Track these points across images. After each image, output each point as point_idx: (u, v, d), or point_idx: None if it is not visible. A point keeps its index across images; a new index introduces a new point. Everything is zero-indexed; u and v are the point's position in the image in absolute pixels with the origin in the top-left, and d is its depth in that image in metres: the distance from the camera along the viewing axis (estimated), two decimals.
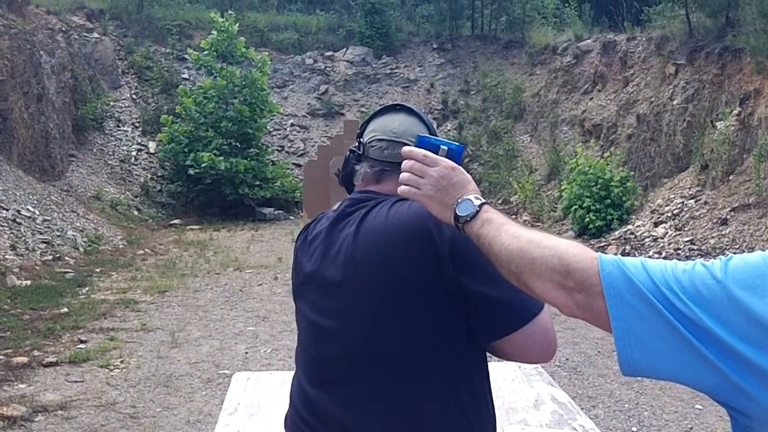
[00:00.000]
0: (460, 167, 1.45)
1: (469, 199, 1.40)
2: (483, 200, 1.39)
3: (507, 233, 1.30)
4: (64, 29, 15.65)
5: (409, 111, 1.75)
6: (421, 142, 1.50)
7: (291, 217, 15.52)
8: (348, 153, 1.74)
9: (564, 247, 1.20)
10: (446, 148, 1.49)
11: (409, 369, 1.56)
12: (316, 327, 1.70)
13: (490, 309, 1.49)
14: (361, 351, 1.59)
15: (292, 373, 1.78)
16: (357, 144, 1.74)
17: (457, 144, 1.51)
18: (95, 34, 17.17)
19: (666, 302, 1.05)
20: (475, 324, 1.54)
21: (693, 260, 1.10)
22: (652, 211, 11.71)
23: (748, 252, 1.10)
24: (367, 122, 1.77)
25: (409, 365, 1.56)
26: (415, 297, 1.53)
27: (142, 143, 16.48)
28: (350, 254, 1.62)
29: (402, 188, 1.46)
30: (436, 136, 1.74)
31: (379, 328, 1.57)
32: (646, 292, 1.06)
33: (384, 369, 1.57)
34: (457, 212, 1.40)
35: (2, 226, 9.81)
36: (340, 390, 1.62)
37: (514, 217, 14.79)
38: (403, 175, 1.46)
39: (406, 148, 1.48)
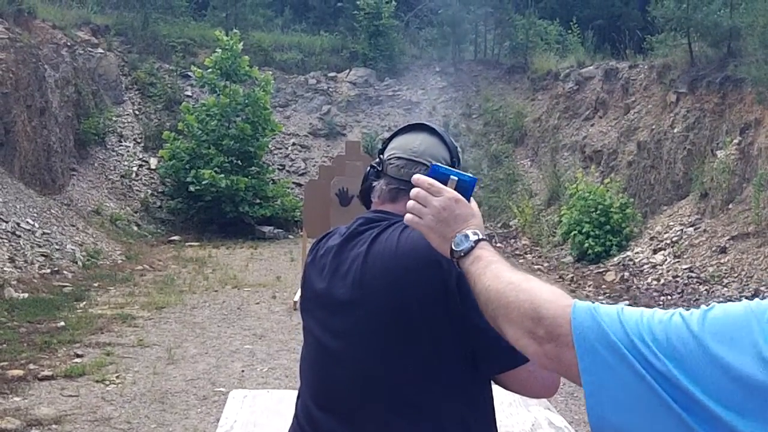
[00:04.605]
0: (464, 199, 1.43)
1: (467, 234, 1.36)
2: (482, 236, 1.36)
3: (491, 273, 1.26)
4: (69, 44, 15.72)
5: (432, 131, 1.74)
6: (432, 172, 1.49)
7: (290, 236, 15.51)
8: (368, 168, 1.75)
9: (538, 292, 1.15)
10: (456, 178, 1.46)
11: (413, 395, 1.57)
12: (322, 347, 1.70)
13: (492, 344, 1.49)
14: (366, 376, 1.60)
15: (289, 392, 1.77)
16: (378, 160, 1.74)
17: (471, 176, 1.49)
18: (100, 50, 17.25)
19: (639, 356, 0.98)
20: (477, 357, 1.54)
21: (675, 308, 1.04)
22: (651, 238, 11.72)
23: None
24: (390, 139, 1.77)
25: (413, 392, 1.57)
26: (421, 325, 1.53)
27: (144, 159, 16.50)
28: (359, 276, 1.62)
29: (406, 216, 1.46)
30: (458, 157, 1.74)
31: (383, 353, 1.58)
32: (618, 343, 0.99)
33: (388, 395, 1.58)
34: (452, 246, 1.37)
35: (1, 238, 9.81)
36: (345, 414, 1.63)
37: (512, 240, 14.80)
38: (409, 203, 1.45)
39: (415, 176, 1.48)
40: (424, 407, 1.57)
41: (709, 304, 1.02)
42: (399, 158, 1.69)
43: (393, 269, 1.56)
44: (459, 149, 1.78)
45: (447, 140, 1.74)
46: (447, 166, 1.53)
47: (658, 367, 0.96)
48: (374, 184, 1.74)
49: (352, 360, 1.62)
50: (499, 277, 1.23)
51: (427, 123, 1.79)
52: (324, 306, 1.70)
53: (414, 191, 1.44)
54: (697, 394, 0.93)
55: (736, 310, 0.97)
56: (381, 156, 1.75)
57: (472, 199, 1.47)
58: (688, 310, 1.02)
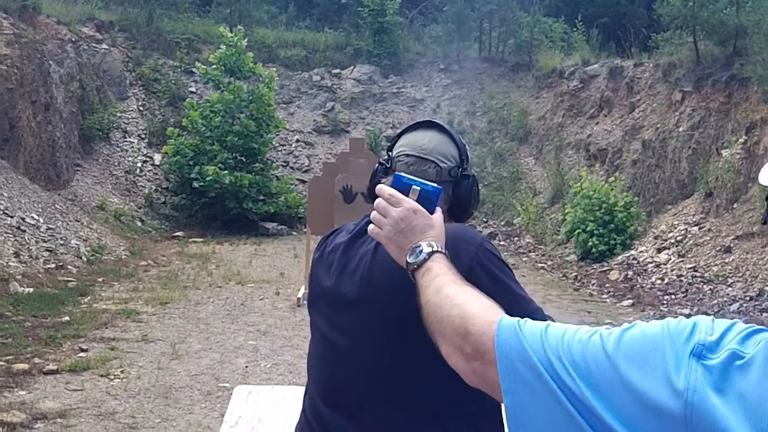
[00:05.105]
0: (423, 210, 1.40)
1: (422, 246, 1.34)
2: (436, 249, 1.34)
3: (434, 286, 1.23)
4: (73, 39, 15.74)
5: (441, 129, 1.75)
6: (396, 181, 1.47)
7: (294, 233, 15.53)
8: (377, 165, 1.75)
9: (469, 307, 1.11)
10: (418, 188, 1.44)
11: (418, 394, 1.57)
12: (329, 343, 1.71)
13: None
14: (372, 373, 1.60)
15: (294, 388, 1.79)
16: (386, 157, 1.75)
17: (435, 185, 1.46)
18: (104, 46, 17.27)
19: (557, 377, 0.93)
20: None
21: (607, 325, 0.98)
22: (656, 237, 11.71)
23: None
24: (399, 136, 1.77)
25: (418, 390, 1.57)
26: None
27: (148, 155, 16.53)
28: (367, 273, 1.63)
29: (369, 227, 1.45)
30: (467, 155, 1.74)
31: (389, 352, 1.58)
32: (538, 363, 0.95)
33: (393, 392, 1.58)
34: (407, 258, 1.35)
35: (6, 233, 9.83)
36: (351, 411, 1.64)
37: (516, 239, 14.79)
38: (372, 213, 1.45)
39: (378, 185, 1.48)
40: (428, 406, 1.57)
41: (632, 322, 0.96)
42: (408, 155, 1.69)
43: (398, 266, 1.57)
44: (467, 147, 1.78)
45: (456, 138, 1.74)
46: (411, 176, 1.50)
47: (573, 390, 0.91)
48: (383, 181, 1.74)
49: (358, 357, 1.63)
50: (440, 290, 1.20)
51: (436, 121, 1.79)
52: (331, 303, 1.71)
53: (376, 201, 1.44)
54: (609, 420, 0.88)
55: (654, 330, 0.91)
56: (389, 153, 1.75)
57: (438, 209, 1.45)
58: (609, 328, 0.96)
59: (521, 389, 0.96)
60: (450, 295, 1.16)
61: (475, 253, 1.58)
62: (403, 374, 1.57)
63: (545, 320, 1.57)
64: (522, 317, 1.15)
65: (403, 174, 1.51)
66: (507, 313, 1.13)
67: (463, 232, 1.61)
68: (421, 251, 1.34)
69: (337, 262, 1.71)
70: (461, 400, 1.56)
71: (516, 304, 1.52)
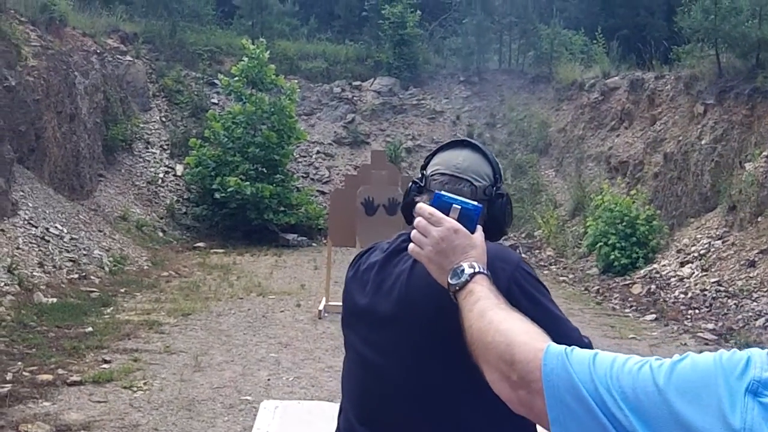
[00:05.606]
0: (464, 230, 1.40)
1: (463, 267, 1.33)
2: (478, 269, 1.33)
3: (477, 310, 1.22)
4: (98, 51, 15.93)
5: (475, 148, 1.76)
6: (436, 200, 1.47)
7: (314, 244, 15.56)
8: (411, 184, 1.76)
9: (514, 334, 1.10)
10: (459, 207, 1.44)
11: (455, 413, 1.57)
12: (364, 361, 1.71)
13: None
14: (407, 391, 1.60)
15: (319, 403, 1.79)
16: (420, 175, 1.76)
17: (475, 204, 1.46)
18: (128, 57, 17.46)
19: (605, 408, 0.92)
20: None
21: (659, 357, 0.96)
22: (678, 251, 11.60)
23: None
24: (433, 155, 1.78)
25: (454, 410, 1.57)
26: (464, 343, 1.54)
27: (170, 166, 16.65)
28: (404, 292, 1.63)
29: (409, 246, 1.46)
30: (500, 174, 1.74)
31: (425, 371, 1.58)
32: (585, 393, 0.94)
33: (429, 411, 1.58)
34: (449, 279, 1.34)
35: (31, 243, 9.93)
36: (386, 429, 1.64)
37: (537, 251, 14.72)
38: (412, 233, 1.45)
39: (418, 204, 1.48)
40: (465, 425, 1.57)
41: (684, 354, 0.95)
42: (442, 174, 1.70)
43: (436, 285, 1.57)
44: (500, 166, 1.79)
45: (490, 157, 1.75)
46: (452, 195, 1.49)
47: (622, 422, 0.90)
48: (417, 199, 1.74)
49: (394, 376, 1.63)
50: (483, 315, 1.19)
51: (470, 140, 1.79)
52: (366, 321, 1.71)
53: (416, 221, 1.43)
54: None
55: (706, 363, 0.90)
56: (423, 172, 1.75)
57: (478, 227, 1.44)
58: (659, 359, 0.94)
59: (569, 420, 0.95)
60: (494, 321, 1.16)
61: (512, 273, 1.58)
62: (439, 393, 1.58)
63: (582, 340, 1.57)
64: (559, 338, 1.15)
65: (443, 192, 1.51)
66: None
67: (500, 252, 1.61)
68: (462, 272, 1.33)
69: (372, 281, 1.71)
70: (497, 419, 1.56)
71: (553, 324, 1.51)
